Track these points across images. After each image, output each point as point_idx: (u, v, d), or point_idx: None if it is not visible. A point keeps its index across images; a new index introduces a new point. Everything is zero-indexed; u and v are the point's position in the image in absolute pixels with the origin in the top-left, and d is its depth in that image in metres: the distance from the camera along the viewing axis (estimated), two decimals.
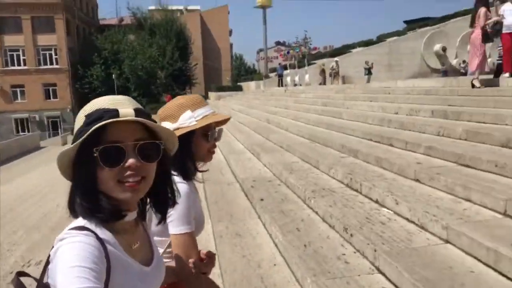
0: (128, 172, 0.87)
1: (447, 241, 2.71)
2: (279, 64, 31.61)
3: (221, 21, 51.22)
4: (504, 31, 7.15)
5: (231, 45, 57.79)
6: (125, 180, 0.87)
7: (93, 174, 0.87)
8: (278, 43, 63.58)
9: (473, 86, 7.08)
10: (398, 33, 29.45)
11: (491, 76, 8.02)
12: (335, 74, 22.86)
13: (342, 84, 21.56)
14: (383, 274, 2.58)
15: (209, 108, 1.48)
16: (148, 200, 1.01)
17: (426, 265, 2.38)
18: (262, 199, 4.56)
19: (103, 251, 0.82)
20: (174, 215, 1.29)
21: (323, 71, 23.99)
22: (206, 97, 35.98)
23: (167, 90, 37.53)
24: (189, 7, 53.63)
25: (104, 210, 0.87)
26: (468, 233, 2.58)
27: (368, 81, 20.48)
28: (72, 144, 0.88)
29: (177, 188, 1.07)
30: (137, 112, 0.89)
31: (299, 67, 29.36)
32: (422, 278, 2.21)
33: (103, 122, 0.84)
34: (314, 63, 28.73)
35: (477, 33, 7.06)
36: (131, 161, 0.86)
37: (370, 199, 3.81)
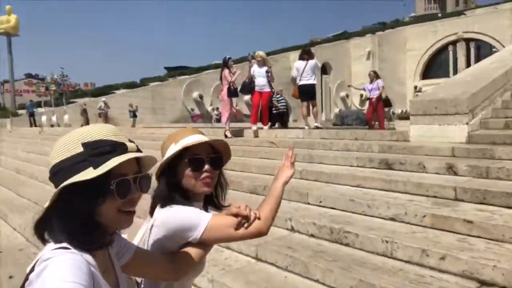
0: (129, 203, 0.93)
1: None
2: (30, 101, 27.74)
3: None
4: (256, 89, 8.37)
5: None
6: (126, 209, 0.93)
7: (95, 204, 0.88)
8: (29, 75, 56.03)
9: (226, 136, 8.17)
10: (160, 79, 31.07)
11: (240, 125, 9.51)
12: (104, 115, 21.91)
13: None
14: None
15: (200, 136, 1.41)
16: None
17: None
18: (11, 277, 3.79)
19: (89, 270, 0.83)
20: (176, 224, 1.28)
21: (85, 111, 22.58)
22: None
23: None
24: None
25: (93, 239, 0.89)
26: (228, 283, 2.89)
27: (134, 124, 20.55)
28: (60, 170, 0.88)
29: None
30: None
31: (57, 105, 26.67)
32: None
33: (127, 157, 0.90)
34: (75, 102, 26.75)
35: (225, 90, 8.25)
36: (135, 192, 0.93)
37: None
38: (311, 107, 8.56)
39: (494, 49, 25.20)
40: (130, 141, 0.97)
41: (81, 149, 0.89)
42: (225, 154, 1.47)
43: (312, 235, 3.54)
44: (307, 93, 8.25)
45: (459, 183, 3.78)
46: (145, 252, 1.21)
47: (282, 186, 1.42)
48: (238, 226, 1.28)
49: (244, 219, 1.28)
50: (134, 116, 21.46)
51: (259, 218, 1.30)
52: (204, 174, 1.36)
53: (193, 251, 1.27)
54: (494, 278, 2.45)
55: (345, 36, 40.77)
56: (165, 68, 46.11)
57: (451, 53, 32.81)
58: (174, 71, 35.98)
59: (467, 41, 32.12)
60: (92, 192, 0.87)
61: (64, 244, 0.85)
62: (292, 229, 3.72)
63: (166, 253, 1.25)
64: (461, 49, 32.19)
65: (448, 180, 3.97)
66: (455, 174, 4.17)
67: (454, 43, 32.89)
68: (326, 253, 3.11)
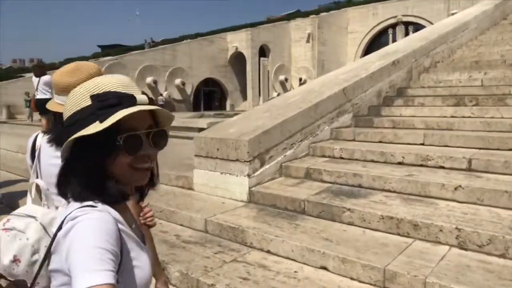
0: (142, 159, 0.87)
1: None
2: None
3: None
4: None
5: None
6: (138, 166, 0.87)
7: (105, 159, 0.85)
8: None
9: None
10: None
11: None
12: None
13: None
14: None
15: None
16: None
17: None
18: None
19: (117, 228, 0.80)
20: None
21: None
22: None
23: None
24: None
25: (112, 193, 0.85)
26: None
27: (30, 116, 18.23)
28: (71, 125, 0.85)
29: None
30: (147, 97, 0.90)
31: None
32: None
33: (133, 110, 0.82)
34: None
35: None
36: (147, 148, 0.87)
37: None
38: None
39: None
40: (143, 93, 0.89)
41: (89, 102, 0.84)
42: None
43: None
44: (42, 108, 8.30)
45: None
46: None
47: None
48: None
49: None
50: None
51: None
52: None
53: None
54: None
55: (290, 16, 39.13)
56: (99, 46, 42.68)
57: (390, 36, 31.99)
58: (109, 50, 33.37)
59: (406, 24, 31.41)
60: (100, 146, 0.83)
61: (90, 202, 0.82)
62: None
63: None
64: (400, 32, 31.41)
65: None
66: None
67: (393, 26, 32.12)
68: None
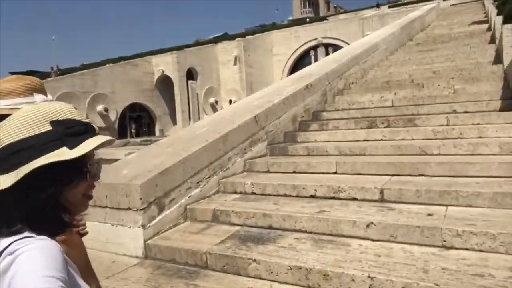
0: (91, 187, 0.88)
1: None
2: None
3: None
4: None
5: None
6: (88, 194, 0.88)
7: (66, 187, 0.81)
8: None
9: None
10: None
11: None
12: None
13: None
14: None
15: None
16: None
17: None
18: None
19: (64, 257, 0.75)
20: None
21: None
22: None
23: None
24: None
25: (63, 224, 0.81)
26: None
27: None
28: (21, 150, 0.76)
29: None
30: None
31: None
32: None
33: (102, 140, 0.84)
34: None
35: None
36: (98, 176, 0.88)
37: None
38: None
39: None
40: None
41: (49, 127, 0.80)
42: None
43: None
44: None
45: None
46: None
47: None
48: None
49: None
50: None
51: None
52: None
53: None
54: None
55: (218, 39, 39.34)
56: (11, 73, 39.34)
57: (313, 57, 33.35)
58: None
59: (327, 46, 33.02)
60: (66, 174, 0.79)
61: (26, 234, 0.73)
62: None
63: None
64: (321, 53, 32.88)
65: None
66: None
67: (315, 48, 33.59)
68: None
